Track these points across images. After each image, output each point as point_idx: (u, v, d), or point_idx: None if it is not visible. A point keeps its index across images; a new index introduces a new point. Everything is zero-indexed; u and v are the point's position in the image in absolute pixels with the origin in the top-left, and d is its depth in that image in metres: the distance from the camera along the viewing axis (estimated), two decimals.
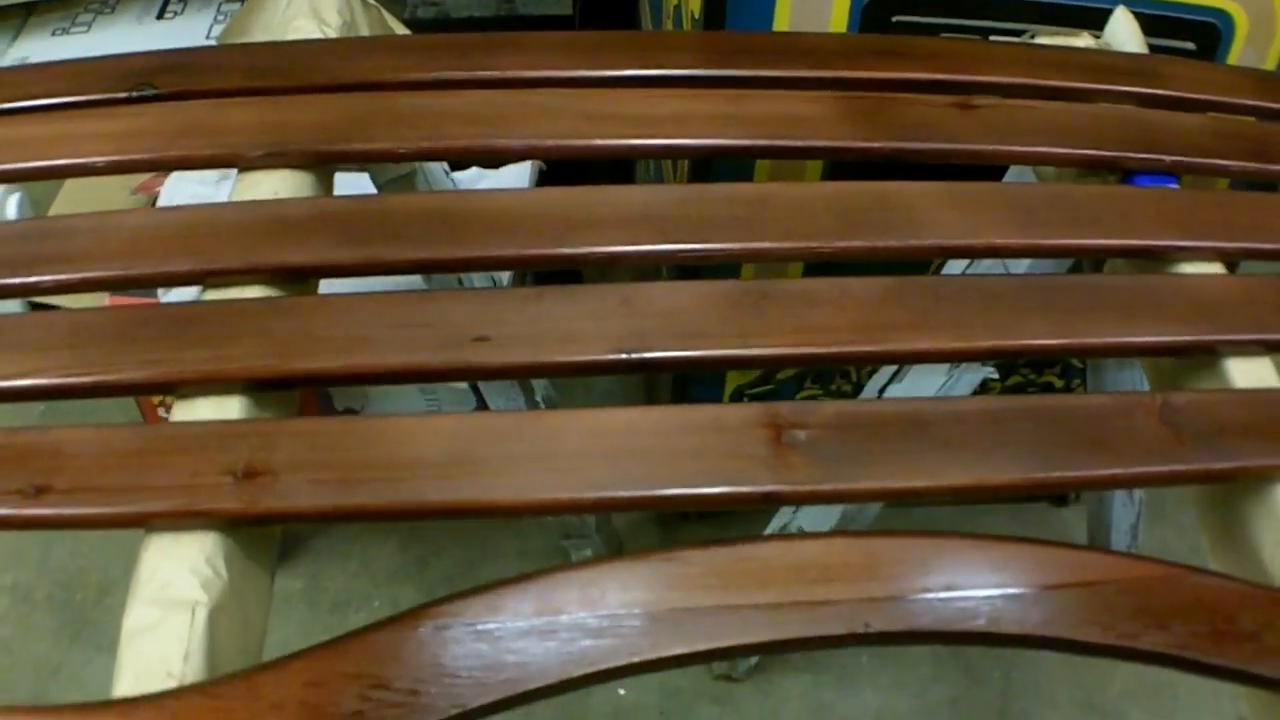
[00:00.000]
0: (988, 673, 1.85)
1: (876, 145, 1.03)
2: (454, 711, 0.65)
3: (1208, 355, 0.93)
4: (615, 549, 1.90)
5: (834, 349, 0.86)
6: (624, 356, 0.83)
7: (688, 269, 1.05)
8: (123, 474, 0.75)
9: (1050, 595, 0.73)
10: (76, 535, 1.96)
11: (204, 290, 0.89)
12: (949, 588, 0.72)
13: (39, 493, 0.74)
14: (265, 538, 0.80)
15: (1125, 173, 1.08)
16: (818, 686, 1.81)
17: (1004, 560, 0.74)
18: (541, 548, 1.96)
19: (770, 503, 0.77)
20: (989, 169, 1.09)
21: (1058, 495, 2.06)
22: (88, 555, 1.95)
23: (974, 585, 0.72)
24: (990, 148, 1.05)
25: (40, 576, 1.93)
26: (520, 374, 0.87)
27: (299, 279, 0.90)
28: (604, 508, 0.76)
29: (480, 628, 0.69)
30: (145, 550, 0.74)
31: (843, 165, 1.13)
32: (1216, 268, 0.99)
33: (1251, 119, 1.16)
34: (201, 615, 0.71)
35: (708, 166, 1.45)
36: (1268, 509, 0.85)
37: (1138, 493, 1.62)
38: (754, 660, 1.76)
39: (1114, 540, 1.69)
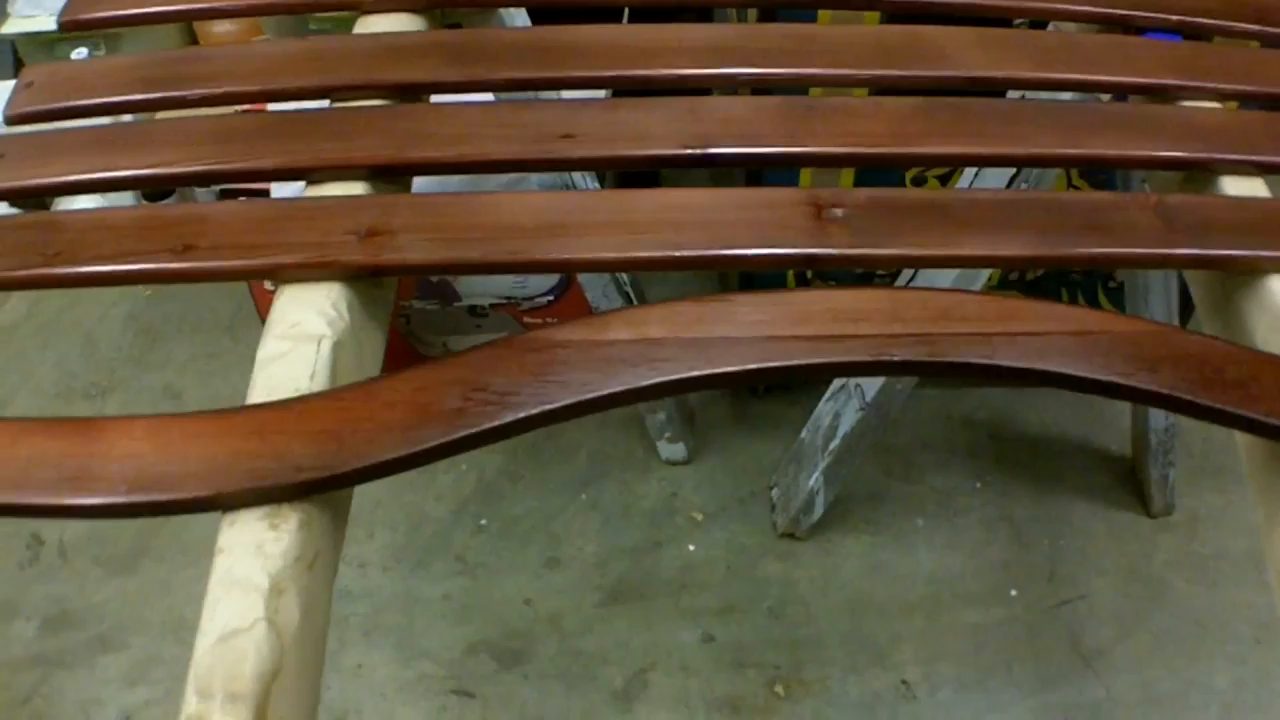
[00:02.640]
0: (1037, 539, 1.97)
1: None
2: (540, 409, 0.79)
3: (1204, 172, 1.05)
4: (687, 416, 2.04)
5: (870, 149, 0.99)
6: (689, 151, 0.97)
7: None
8: (259, 235, 0.90)
9: (1050, 339, 0.85)
10: (180, 403, 2.12)
11: (331, 103, 1.04)
12: (960, 330, 0.85)
13: (185, 250, 0.89)
14: (382, 290, 0.94)
15: (1135, 29, 1.20)
16: (876, 547, 1.94)
17: (1011, 311, 0.87)
18: (617, 416, 2.11)
19: (812, 265, 0.90)
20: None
21: None
22: None
23: (982, 328, 0.85)
24: (1014, 4, 1.18)
25: None
26: (599, 165, 1.00)
27: (413, 94, 1.05)
28: (671, 265, 0.90)
29: (566, 348, 0.82)
30: (277, 299, 0.88)
31: (894, 17, 1.25)
32: (1214, 105, 1.11)
33: None
34: (326, 346, 0.85)
35: (773, 14, 1.58)
36: (1259, 301, 0.96)
37: None
38: (816, 517, 1.89)
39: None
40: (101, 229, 0.91)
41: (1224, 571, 1.94)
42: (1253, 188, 1.04)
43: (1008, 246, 0.92)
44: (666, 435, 1.98)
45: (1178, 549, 1.99)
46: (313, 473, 0.75)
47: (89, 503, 0.74)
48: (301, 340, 0.85)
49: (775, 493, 1.95)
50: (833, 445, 1.77)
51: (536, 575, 1.88)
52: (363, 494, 1.85)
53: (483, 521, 1.96)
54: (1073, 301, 2.01)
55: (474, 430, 0.77)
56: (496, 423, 0.77)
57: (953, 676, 1.78)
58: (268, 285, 0.90)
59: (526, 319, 2.03)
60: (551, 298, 1.99)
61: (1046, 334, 0.86)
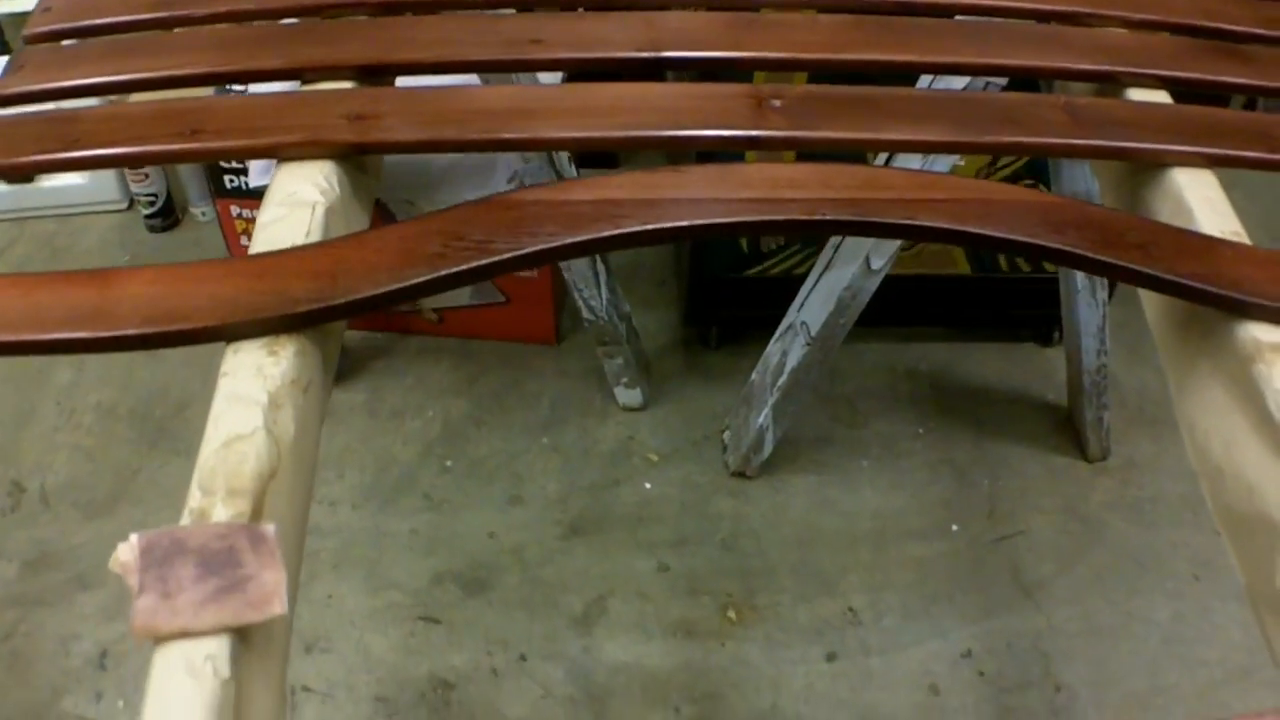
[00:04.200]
0: (978, 480, 2.08)
1: None
2: (513, 254, 0.89)
3: (1112, 84, 1.16)
4: (643, 363, 2.14)
5: (806, 55, 1.10)
6: (644, 55, 1.07)
7: None
8: (260, 120, 1.00)
9: (967, 205, 0.96)
10: (158, 359, 2.21)
11: (322, 18, 1.14)
12: (886, 196, 0.95)
13: (194, 133, 0.99)
14: (367, 174, 1.04)
15: None
16: (823, 485, 2.05)
17: (931, 182, 0.97)
18: (577, 368, 2.22)
19: (753, 146, 1.01)
20: None
21: (1043, 336, 2.29)
22: (168, 375, 2.21)
23: (905, 194, 0.96)
24: None
25: (124, 394, 2.18)
26: (564, 67, 1.10)
27: (396, 10, 1.15)
28: (627, 145, 1.00)
29: (536, 206, 0.92)
30: (276, 175, 0.98)
31: None
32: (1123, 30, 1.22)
33: None
34: (319, 211, 0.95)
35: None
36: (1163, 190, 1.06)
37: (1100, 294, 1.85)
38: (766, 455, 1.99)
39: (1085, 344, 1.92)
40: (116, 119, 1.01)
41: (1161, 513, 2.05)
42: (1156, 98, 1.14)
43: (927, 133, 1.03)
44: (624, 380, 2.09)
45: (1114, 491, 2.09)
46: (309, 305, 0.84)
47: (104, 335, 0.83)
48: (297, 206, 0.95)
49: (727, 435, 2.05)
50: (780, 381, 1.87)
51: (500, 511, 1.98)
52: (332, 439, 1.95)
53: (448, 463, 2.05)
54: (1009, 255, 2.13)
55: (454, 270, 0.87)
56: (475, 264, 0.87)
57: (897, 604, 1.88)
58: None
59: None
60: None
61: (964, 200, 0.96)
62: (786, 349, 1.85)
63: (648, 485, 2.03)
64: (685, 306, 2.27)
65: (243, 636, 0.70)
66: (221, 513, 0.74)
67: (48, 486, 2.02)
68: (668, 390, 2.20)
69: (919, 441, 2.14)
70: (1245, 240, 0.99)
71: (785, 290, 1.87)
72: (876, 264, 1.67)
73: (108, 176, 2.56)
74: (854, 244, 1.67)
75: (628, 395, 2.11)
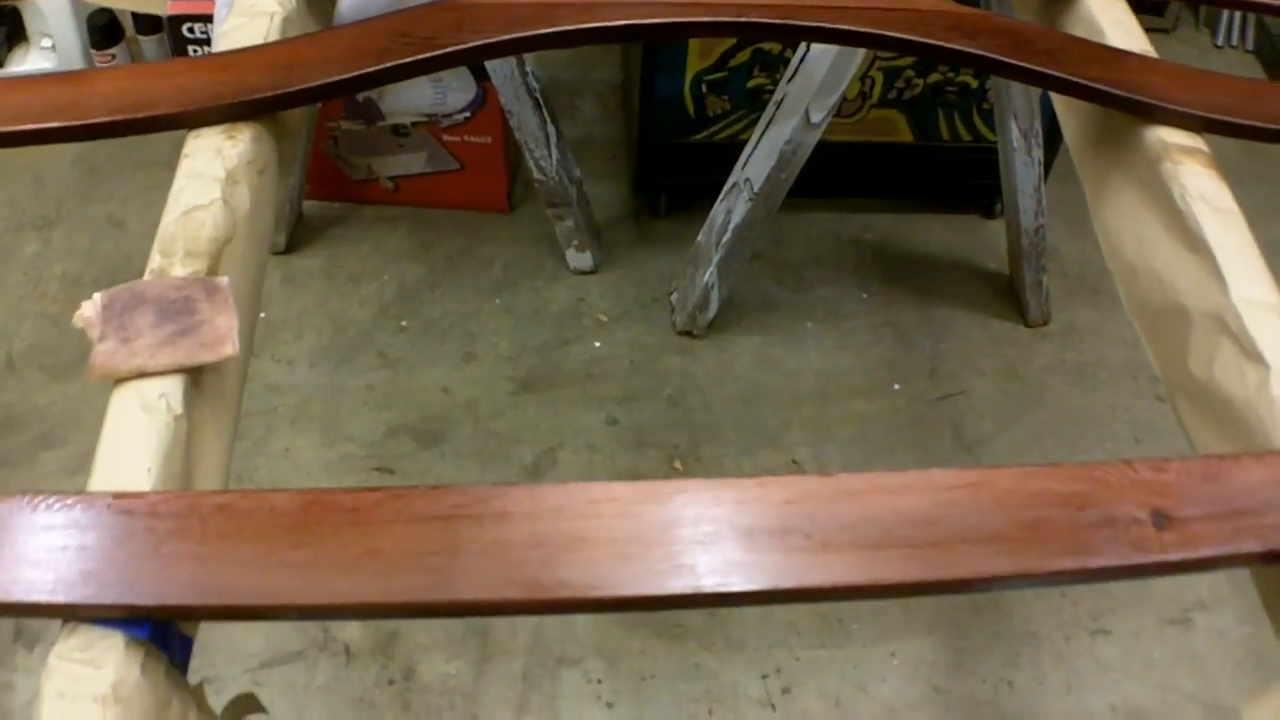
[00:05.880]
0: (920, 342, 2.14)
1: None
2: (455, 48, 0.93)
3: None
4: (594, 228, 2.19)
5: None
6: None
7: None
8: None
9: (886, 14, 1.00)
10: (122, 230, 2.24)
11: None
12: (812, 4, 1.00)
13: None
14: None
15: None
16: (768, 345, 2.10)
17: None
18: (530, 234, 2.26)
19: None
20: None
21: (986, 208, 2.34)
22: (132, 246, 2.23)
23: (831, 4, 1.00)
24: None
25: (89, 264, 2.21)
26: None
27: None
28: None
29: (478, 9, 0.96)
30: None
31: None
32: None
33: None
34: (277, 19, 1.01)
35: None
36: (1076, 15, 1.11)
37: (1035, 152, 1.90)
38: (711, 315, 2.05)
39: (1022, 204, 1.97)
40: None
41: (1101, 378, 2.11)
42: None
43: None
44: (575, 243, 2.13)
45: (1055, 355, 2.16)
46: (265, 92, 0.89)
47: (75, 124, 0.88)
48: (257, 16, 1.00)
49: (674, 296, 2.10)
50: (725, 239, 1.92)
51: (454, 368, 2.03)
52: (290, 302, 1.98)
53: (403, 323, 2.10)
54: (949, 122, 2.18)
55: (399, 62, 0.92)
56: (418, 57, 0.92)
57: (839, 457, 1.94)
58: None
59: (446, 136, 2.16)
60: (468, 114, 2.12)
61: (885, 9, 1.01)
62: (731, 207, 1.89)
63: (597, 344, 2.08)
64: (633, 174, 2.30)
65: (195, 379, 0.75)
66: (180, 271, 0.79)
67: (14, 352, 2.05)
68: (618, 256, 2.24)
69: (863, 305, 2.19)
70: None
71: (730, 155, 1.91)
72: (816, 117, 1.71)
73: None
74: (794, 98, 1.71)
75: (578, 259, 2.16)
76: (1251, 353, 0.82)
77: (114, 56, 2.48)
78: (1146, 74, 1.01)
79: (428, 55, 0.92)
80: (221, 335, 0.75)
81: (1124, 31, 1.09)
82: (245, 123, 0.90)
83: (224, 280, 0.77)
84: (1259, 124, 1.01)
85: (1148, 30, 1.10)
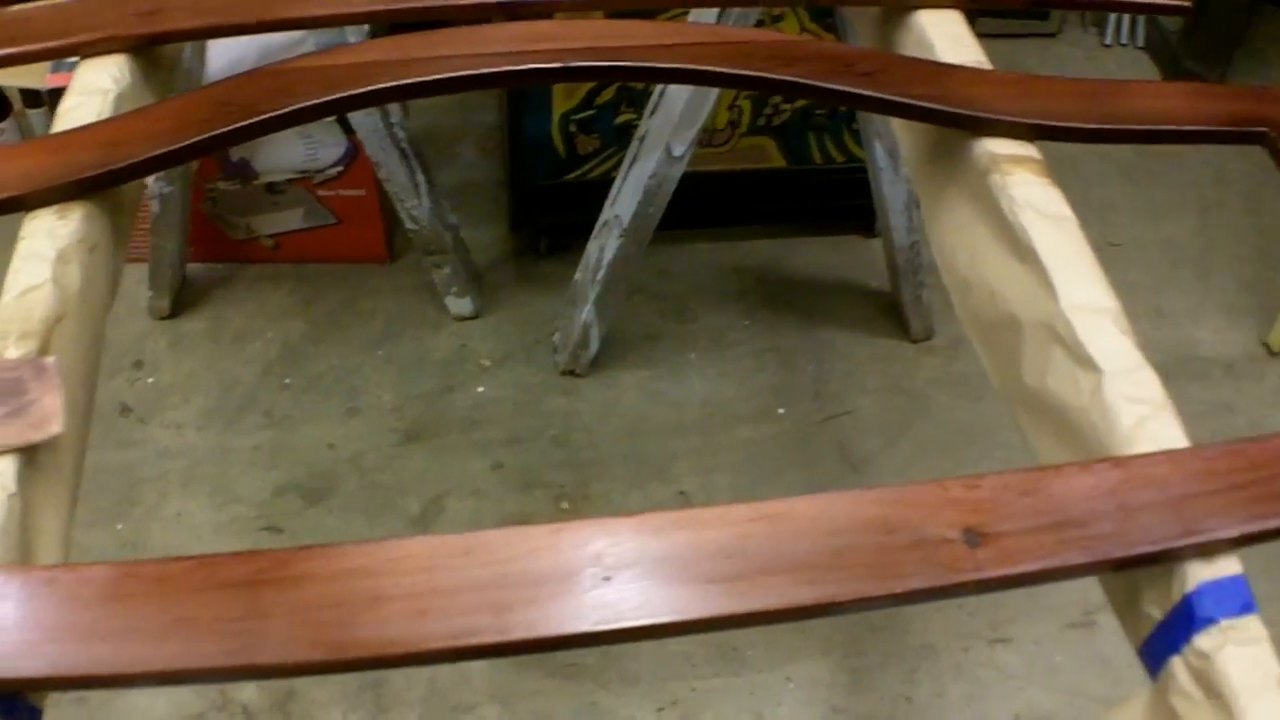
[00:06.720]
0: (804, 365, 2.15)
1: None
2: (276, 113, 0.93)
3: None
4: (472, 273, 2.19)
5: None
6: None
7: None
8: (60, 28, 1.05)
9: (706, 48, 1.01)
10: None
11: None
12: (629, 44, 1.01)
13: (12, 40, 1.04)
14: (162, 64, 1.09)
15: None
16: (652, 379, 2.11)
17: (673, 31, 1.03)
18: (410, 284, 2.25)
19: (557, 7, 1.07)
20: None
21: (866, 227, 2.36)
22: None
23: (646, 41, 1.01)
24: None
25: None
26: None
27: None
28: (408, 16, 1.05)
29: (298, 74, 0.97)
30: (78, 71, 1.05)
31: None
32: None
33: None
34: (111, 98, 1.02)
35: None
36: (908, 31, 1.13)
37: (903, 171, 1.92)
38: (593, 352, 2.05)
39: (894, 222, 2.00)
40: None
41: (987, 388, 2.04)
42: None
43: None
44: (454, 289, 2.13)
45: (940, 369, 2.18)
46: (94, 170, 0.91)
47: None
48: (92, 95, 1.02)
49: (557, 336, 2.10)
50: (600, 275, 1.93)
51: (338, 423, 2.02)
52: (177, 366, 1.97)
53: (287, 380, 2.09)
54: (820, 145, 2.20)
55: (220, 131, 0.92)
56: (238, 125, 0.92)
57: (727, 485, 1.95)
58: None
59: (320, 191, 2.16)
60: (340, 168, 2.12)
61: (703, 44, 1.02)
62: (604, 244, 1.90)
63: (480, 389, 2.08)
64: (510, 215, 2.31)
65: (30, 458, 0.76)
66: (14, 352, 0.81)
67: None
68: (500, 299, 2.24)
69: (746, 332, 2.20)
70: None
71: (604, 193, 1.92)
72: (678, 150, 1.72)
73: None
74: (656, 133, 1.73)
75: (459, 304, 2.16)
76: (1083, 359, 0.83)
77: (2, 131, 2.46)
78: (974, 86, 1.02)
79: (247, 123, 0.93)
80: (48, 414, 0.75)
81: (955, 44, 1.10)
82: (77, 201, 0.91)
83: (49, 360, 0.78)
84: (1089, 126, 1.01)
85: (1031, 35, 1.11)
